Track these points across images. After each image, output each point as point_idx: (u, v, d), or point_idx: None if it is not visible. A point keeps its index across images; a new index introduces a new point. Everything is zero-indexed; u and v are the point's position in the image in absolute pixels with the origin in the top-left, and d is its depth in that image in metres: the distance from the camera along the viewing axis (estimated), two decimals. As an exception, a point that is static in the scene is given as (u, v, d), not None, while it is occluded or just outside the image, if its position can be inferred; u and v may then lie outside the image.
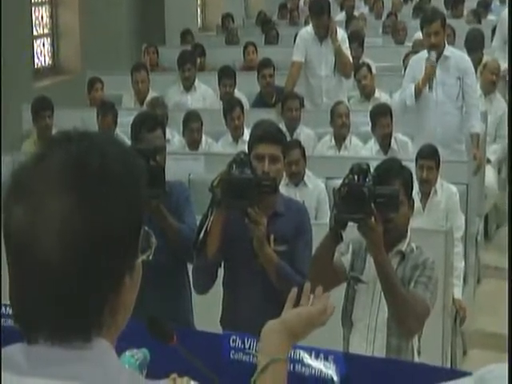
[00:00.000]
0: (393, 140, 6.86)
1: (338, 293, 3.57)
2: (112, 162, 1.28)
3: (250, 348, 2.98)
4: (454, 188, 5.71)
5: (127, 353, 2.78)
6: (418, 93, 6.54)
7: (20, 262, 1.24)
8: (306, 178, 6.00)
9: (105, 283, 1.25)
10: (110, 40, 10.97)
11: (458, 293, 5.52)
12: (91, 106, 8.32)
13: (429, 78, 6.50)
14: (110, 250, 1.24)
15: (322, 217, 5.83)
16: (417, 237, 3.58)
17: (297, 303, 2.02)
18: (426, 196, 5.60)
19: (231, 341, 3.01)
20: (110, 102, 7.69)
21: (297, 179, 5.92)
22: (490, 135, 7.63)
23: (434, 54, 6.48)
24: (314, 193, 5.97)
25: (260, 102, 8.45)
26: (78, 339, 1.24)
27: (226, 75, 8.34)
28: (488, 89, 7.83)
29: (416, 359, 3.47)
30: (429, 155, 5.54)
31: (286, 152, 3.80)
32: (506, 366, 2.47)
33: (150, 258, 1.38)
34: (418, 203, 5.02)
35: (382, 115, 6.75)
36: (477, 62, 7.90)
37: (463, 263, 5.75)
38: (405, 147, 6.90)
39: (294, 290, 2.06)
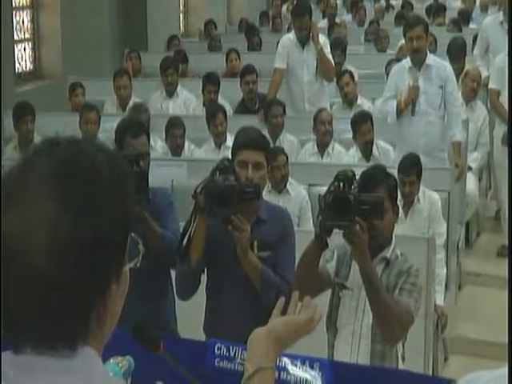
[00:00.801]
0: (374, 147, 6.88)
1: (323, 299, 3.58)
2: (100, 167, 1.27)
3: (234, 356, 2.97)
4: (436, 195, 5.74)
5: (112, 360, 2.77)
6: (400, 113, 6.59)
7: (8, 269, 1.22)
8: (288, 185, 6.01)
9: (92, 290, 1.24)
10: (92, 45, 10.95)
11: (439, 299, 5.55)
12: (73, 111, 8.29)
13: (412, 99, 6.53)
14: (97, 256, 1.23)
15: (304, 224, 5.84)
16: (399, 244, 3.59)
17: (284, 311, 2.02)
18: (408, 204, 5.62)
19: (216, 348, 3.00)
20: (93, 104, 7.66)
21: (281, 185, 5.94)
22: (471, 143, 7.67)
23: (416, 78, 6.51)
24: (297, 200, 5.98)
25: (243, 108, 8.46)
26: (64, 347, 1.23)
27: (211, 82, 8.34)
28: (469, 97, 7.87)
29: (400, 365, 3.48)
30: (410, 170, 5.54)
31: (270, 158, 3.80)
32: (490, 372, 2.48)
33: (138, 265, 1.38)
34: (400, 211, 5.04)
35: (362, 123, 6.77)
36: (459, 71, 7.94)
37: (445, 270, 5.78)
38: (387, 154, 6.93)
39: (282, 299, 2.06)
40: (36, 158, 1.27)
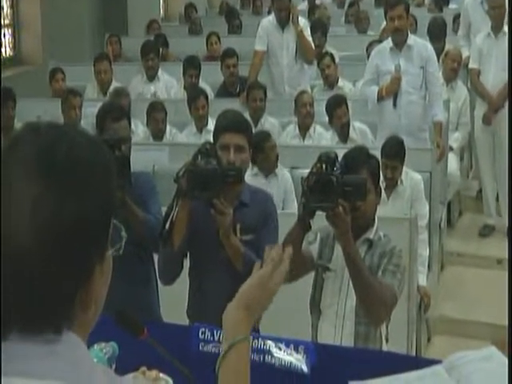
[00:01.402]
0: (351, 129, 6.89)
1: (307, 281, 3.59)
2: (80, 150, 1.28)
3: (219, 340, 2.97)
4: (418, 176, 5.75)
5: (96, 346, 2.76)
6: (381, 99, 6.61)
7: None
8: (277, 169, 6.04)
9: (75, 273, 1.25)
10: (73, 30, 10.87)
11: (422, 280, 5.58)
12: (53, 97, 8.26)
13: (394, 88, 6.55)
14: (80, 238, 1.24)
15: (288, 206, 5.86)
16: (381, 225, 3.60)
17: None
18: (390, 186, 5.64)
19: (200, 333, 3.00)
20: (76, 90, 7.63)
21: (273, 168, 5.96)
22: (452, 123, 7.69)
23: (398, 63, 6.52)
24: (282, 183, 5.99)
25: (224, 91, 8.44)
26: (49, 331, 1.24)
27: (191, 65, 8.32)
28: (450, 77, 7.88)
29: (384, 346, 3.50)
30: (393, 154, 5.56)
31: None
32: (473, 353, 2.51)
33: (120, 252, 1.38)
34: (382, 193, 5.06)
35: (337, 106, 6.79)
36: (439, 50, 7.96)
37: (428, 251, 5.81)
38: (364, 135, 6.94)
39: (257, 264, 1.86)
40: (19, 142, 1.28)
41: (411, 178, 5.70)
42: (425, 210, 5.74)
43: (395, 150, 5.58)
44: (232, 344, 1.69)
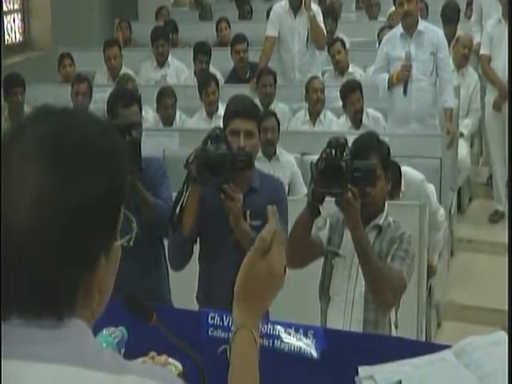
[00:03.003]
0: (364, 115, 6.88)
1: (316, 267, 3.59)
2: (92, 137, 1.27)
3: (228, 325, 2.98)
4: (419, 175, 5.43)
5: (105, 331, 2.77)
6: (391, 86, 6.59)
7: None
8: (278, 152, 6.01)
9: (78, 260, 1.23)
10: (82, 15, 10.87)
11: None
12: (62, 83, 8.27)
13: (404, 75, 6.52)
14: (84, 224, 1.22)
15: (295, 192, 5.86)
16: (391, 211, 3.59)
17: None
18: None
19: (210, 318, 3.01)
20: (84, 75, 7.65)
21: (271, 149, 5.93)
22: (463, 109, 7.67)
23: (409, 51, 6.49)
24: (287, 168, 5.99)
25: (234, 77, 8.44)
26: (49, 317, 1.23)
27: (202, 51, 8.31)
28: (460, 63, 7.86)
29: (393, 332, 3.50)
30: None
31: (260, 124, 3.79)
32: (483, 338, 2.51)
33: (131, 243, 1.36)
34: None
35: (351, 92, 6.76)
36: (452, 34, 7.95)
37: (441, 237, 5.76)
38: (377, 122, 6.93)
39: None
40: (29, 124, 1.27)
41: (409, 178, 5.27)
42: (434, 206, 5.51)
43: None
44: (236, 330, 1.66)
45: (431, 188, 5.59)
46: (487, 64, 7.54)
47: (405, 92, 6.58)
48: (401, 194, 5.04)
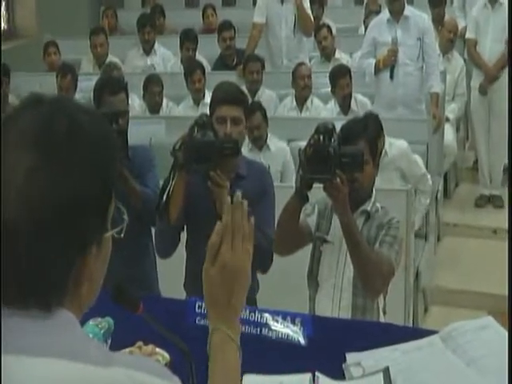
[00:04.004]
0: (353, 101, 6.88)
1: (304, 254, 3.60)
2: (82, 126, 1.27)
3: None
4: (403, 143, 5.64)
5: (91, 322, 2.76)
6: (378, 71, 6.60)
7: None
8: (268, 141, 6.00)
9: (69, 249, 1.23)
10: (68, 3, 10.79)
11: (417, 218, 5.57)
12: (48, 71, 8.23)
13: (390, 60, 6.53)
14: (75, 213, 1.22)
15: (288, 179, 5.85)
16: (378, 196, 3.60)
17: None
18: None
19: (197, 307, 3.00)
20: (69, 65, 7.62)
21: (260, 143, 5.93)
22: (449, 94, 7.70)
23: (396, 36, 6.50)
24: (279, 156, 5.98)
25: (221, 64, 8.42)
26: (38, 307, 1.22)
27: (189, 38, 8.28)
28: (446, 48, 7.87)
29: (382, 318, 3.50)
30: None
31: (247, 115, 3.79)
32: (470, 323, 2.52)
33: (122, 235, 1.36)
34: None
35: (341, 76, 6.77)
36: (440, 17, 7.97)
37: (428, 201, 5.78)
38: (365, 108, 6.90)
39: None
40: (19, 113, 1.27)
41: (396, 147, 5.58)
42: (422, 169, 5.69)
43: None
44: (209, 341, 1.67)
45: (416, 156, 5.69)
46: (473, 48, 7.56)
47: (391, 77, 6.59)
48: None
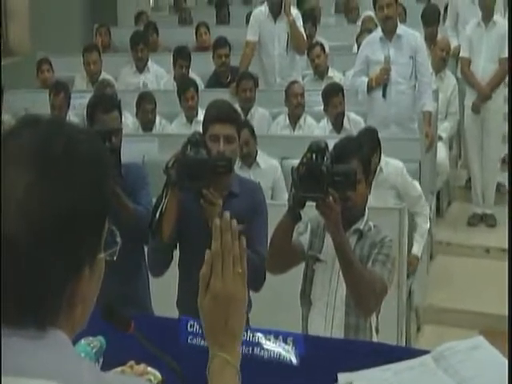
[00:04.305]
0: (345, 119, 6.90)
1: (297, 272, 3.59)
2: (78, 145, 1.28)
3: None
4: (398, 163, 5.67)
5: (83, 341, 2.75)
6: (371, 89, 6.62)
7: None
8: (258, 158, 6.00)
9: (62, 269, 1.23)
10: (61, 20, 10.82)
11: (417, 249, 5.57)
12: (41, 88, 8.24)
13: (383, 78, 6.55)
14: (71, 231, 1.23)
15: (278, 196, 5.86)
16: (371, 215, 3.60)
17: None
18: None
19: (189, 326, 2.99)
20: (62, 82, 7.63)
21: (249, 160, 5.93)
22: (441, 113, 7.73)
23: (388, 54, 6.52)
24: (269, 173, 5.99)
25: (215, 81, 8.43)
26: (31, 329, 1.22)
27: (182, 56, 8.30)
28: (439, 66, 7.90)
29: (374, 337, 3.50)
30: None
31: (240, 129, 3.79)
32: (461, 343, 2.52)
33: (115, 257, 1.36)
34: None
35: (333, 94, 6.79)
36: (432, 37, 8.01)
37: (428, 225, 5.81)
38: (358, 126, 6.93)
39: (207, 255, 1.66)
40: (17, 131, 1.28)
41: (392, 166, 5.62)
42: (418, 191, 5.71)
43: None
44: (208, 367, 1.67)
45: (415, 182, 5.74)
46: (467, 67, 7.60)
47: (384, 95, 6.61)
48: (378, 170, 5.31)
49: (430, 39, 7.94)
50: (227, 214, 1.68)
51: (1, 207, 1.21)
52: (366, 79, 6.67)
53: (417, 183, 5.78)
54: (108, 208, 1.31)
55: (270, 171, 6.00)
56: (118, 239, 1.38)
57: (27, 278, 1.21)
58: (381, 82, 6.59)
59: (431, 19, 8.26)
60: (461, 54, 7.72)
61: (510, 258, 5.44)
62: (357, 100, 6.90)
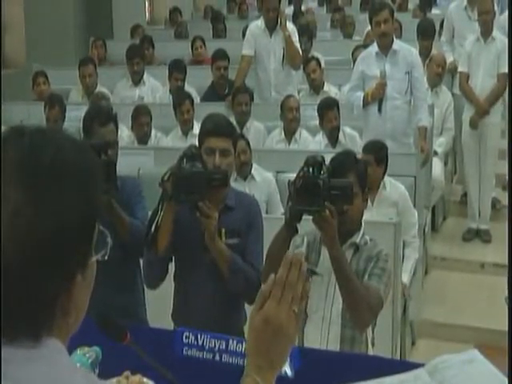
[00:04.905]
0: (341, 133, 6.92)
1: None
2: (66, 156, 1.27)
3: (203, 344, 2.97)
4: (401, 186, 5.72)
5: (78, 351, 2.75)
6: (366, 105, 6.63)
7: None
8: (253, 171, 6.01)
9: (56, 279, 1.23)
10: (57, 33, 10.86)
11: (405, 278, 5.58)
12: (37, 101, 8.25)
13: (379, 93, 6.57)
14: (61, 245, 1.22)
15: (273, 210, 5.86)
16: (366, 229, 3.60)
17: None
18: (373, 191, 5.63)
19: (184, 337, 3.00)
20: (57, 95, 7.64)
21: (245, 171, 5.93)
22: (437, 128, 7.73)
23: (384, 69, 6.55)
24: (264, 186, 5.99)
25: (212, 93, 8.43)
26: (27, 339, 1.22)
27: (177, 69, 8.32)
28: (434, 82, 7.92)
29: (370, 350, 3.50)
30: (369, 150, 5.55)
31: (236, 143, 3.80)
32: (456, 356, 2.52)
33: (106, 258, 1.36)
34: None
35: (329, 109, 6.80)
36: (428, 50, 8.05)
37: (417, 255, 5.83)
38: (353, 141, 6.96)
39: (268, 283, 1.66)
40: (2, 147, 1.26)
41: (396, 186, 5.66)
42: (414, 218, 5.73)
43: (373, 146, 5.59)
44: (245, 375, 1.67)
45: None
46: (465, 82, 7.61)
47: (379, 110, 6.62)
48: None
49: (425, 54, 7.96)
50: (302, 252, 1.69)
51: None
52: (361, 94, 6.68)
53: (415, 212, 5.79)
54: (98, 213, 1.30)
55: (264, 184, 6.01)
56: (109, 239, 1.36)
57: (18, 295, 1.21)
58: (376, 97, 6.60)
59: (427, 33, 8.28)
60: (459, 69, 7.73)
61: (510, 260, 5.45)
62: (350, 114, 6.91)
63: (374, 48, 6.74)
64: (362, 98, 6.65)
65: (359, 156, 3.76)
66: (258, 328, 1.63)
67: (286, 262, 1.64)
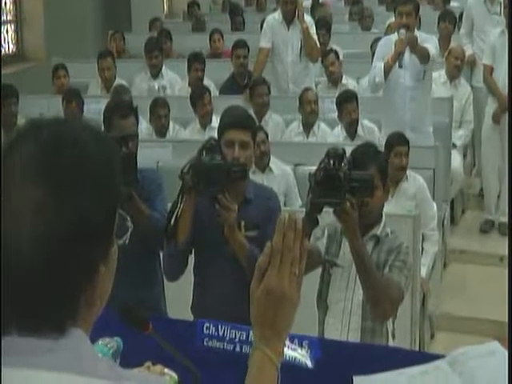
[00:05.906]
0: (359, 126, 6.90)
1: (314, 277, 3.60)
2: (85, 148, 1.26)
3: (223, 335, 2.98)
4: (421, 178, 5.73)
5: (100, 342, 2.77)
6: (388, 69, 6.55)
7: None
8: (271, 163, 6.01)
9: (79, 273, 1.23)
10: (76, 26, 10.88)
11: (424, 272, 5.58)
12: (56, 94, 8.28)
13: (399, 52, 6.50)
14: (84, 239, 1.22)
15: (291, 202, 5.86)
16: (385, 221, 3.61)
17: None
18: (394, 183, 5.63)
19: (205, 328, 3.01)
20: (75, 89, 7.66)
21: (264, 161, 5.93)
22: (456, 121, 7.70)
23: (403, 32, 6.50)
24: (282, 179, 5.99)
25: (232, 83, 8.41)
26: (51, 330, 1.23)
27: (197, 60, 8.31)
28: (453, 74, 7.89)
29: (391, 342, 3.50)
30: (403, 141, 5.60)
31: (255, 135, 3.81)
32: (477, 348, 2.52)
33: (127, 242, 1.37)
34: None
35: (348, 101, 6.79)
36: (447, 41, 8.01)
37: (437, 248, 5.82)
38: (371, 133, 6.95)
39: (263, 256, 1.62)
40: (20, 141, 1.25)
41: (415, 178, 5.68)
42: (433, 211, 5.74)
43: (403, 137, 5.62)
44: (250, 357, 1.66)
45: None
46: (489, 74, 7.55)
47: (400, 65, 6.52)
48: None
49: (444, 44, 7.91)
50: (294, 214, 1.65)
51: (12, 222, 1.20)
52: (381, 64, 6.61)
53: (434, 204, 5.78)
54: (119, 201, 1.30)
55: (282, 177, 6.01)
56: (129, 223, 1.37)
57: (43, 289, 1.21)
58: (397, 53, 6.49)
59: (448, 16, 8.24)
60: (483, 61, 7.66)
61: (510, 261, 5.44)
62: (368, 107, 6.88)
63: (394, 36, 6.70)
64: (382, 66, 6.58)
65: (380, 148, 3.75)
66: (261, 300, 1.60)
67: (279, 227, 1.60)
